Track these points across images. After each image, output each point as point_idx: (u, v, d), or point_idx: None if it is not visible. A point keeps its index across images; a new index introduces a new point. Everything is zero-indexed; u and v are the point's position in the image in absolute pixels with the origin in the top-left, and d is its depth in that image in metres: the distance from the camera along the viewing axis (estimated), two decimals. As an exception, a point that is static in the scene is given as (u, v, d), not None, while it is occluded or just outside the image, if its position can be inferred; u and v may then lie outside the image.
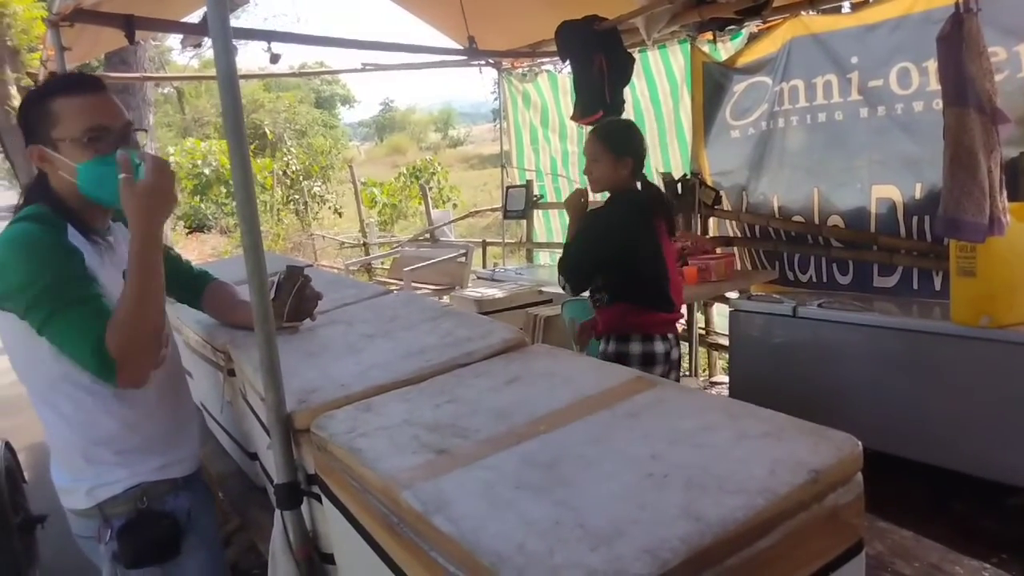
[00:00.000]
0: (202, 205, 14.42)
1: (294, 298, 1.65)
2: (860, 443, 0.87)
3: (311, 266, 1.69)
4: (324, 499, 1.15)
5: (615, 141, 2.38)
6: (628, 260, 2.32)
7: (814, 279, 3.86)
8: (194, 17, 3.64)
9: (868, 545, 1.89)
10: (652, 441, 0.92)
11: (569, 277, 2.33)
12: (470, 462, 0.90)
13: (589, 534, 0.70)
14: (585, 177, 2.49)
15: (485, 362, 1.36)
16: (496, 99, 5.96)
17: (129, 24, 2.89)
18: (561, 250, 2.47)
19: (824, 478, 0.81)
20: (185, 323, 2.02)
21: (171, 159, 13.59)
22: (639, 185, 2.43)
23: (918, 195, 3.31)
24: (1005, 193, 2.43)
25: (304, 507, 1.26)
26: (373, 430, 1.05)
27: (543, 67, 5.30)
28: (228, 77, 1.09)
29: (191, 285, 1.73)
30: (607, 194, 2.43)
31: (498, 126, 5.74)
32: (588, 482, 0.82)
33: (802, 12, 3.62)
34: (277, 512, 1.26)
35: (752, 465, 0.82)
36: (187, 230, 13.89)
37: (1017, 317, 2.53)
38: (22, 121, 1.30)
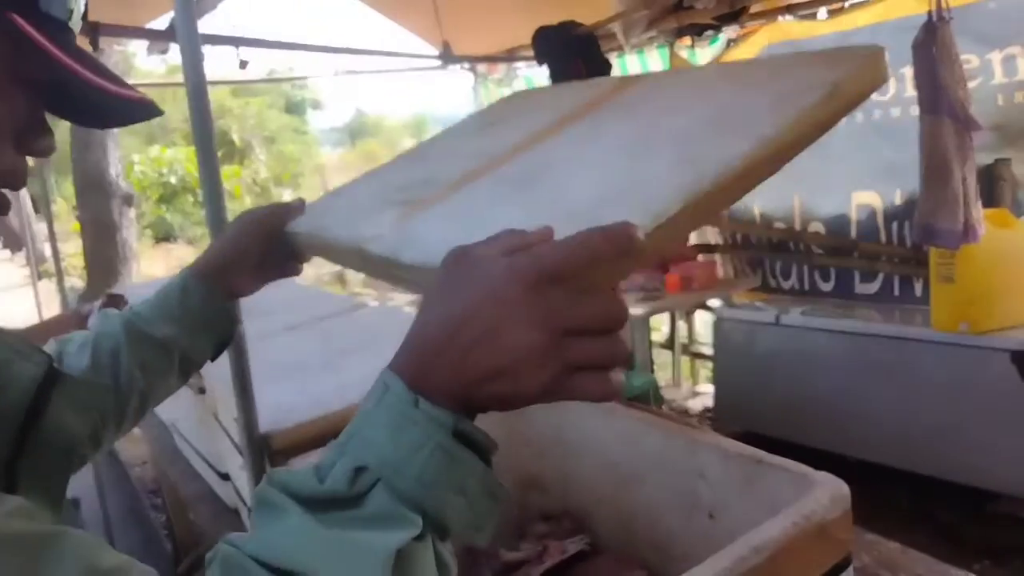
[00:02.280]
0: (168, 215, 14.17)
1: None
2: (884, 52, 0.71)
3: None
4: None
5: None
6: None
7: (796, 286, 3.86)
8: (161, 22, 3.55)
9: (855, 558, 1.88)
10: (642, 120, 0.79)
11: None
12: (439, 200, 0.79)
13: (567, 212, 0.58)
14: None
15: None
16: (473, 104, 5.91)
17: (94, 31, 2.79)
18: None
19: (843, 89, 0.66)
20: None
21: (136, 167, 13.36)
22: None
23: (898, 201, 3.34)
24: (980, 201, 2.45)
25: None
26: (339, 208, 0.94)
27: (520, 72, 5.27)
28: (197, 84, 1.05)
29: None
30: None
31: (473, 132, 5.69)
32: (571, 177, 0.70)
33: (779, 18, 3.64)
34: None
35: (760, 99, 0.69)
36: (154, 240, 13.63)
37: (996, 323, 2.56)
38: None
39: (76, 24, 0.58)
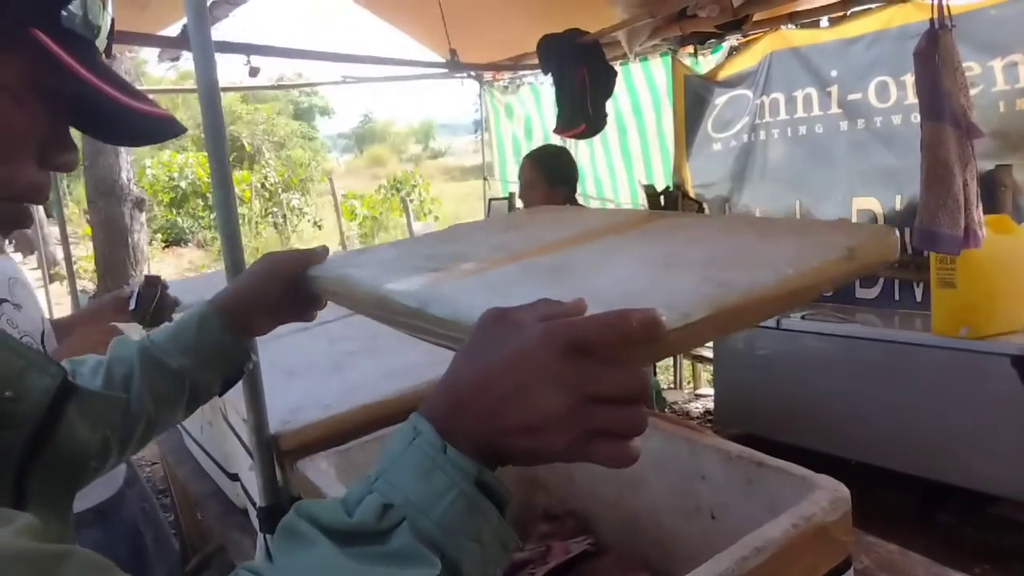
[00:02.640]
0: (179, 219, 14.25)
1: (155, 307, 1.69)
2: (896, 231, 0.80)
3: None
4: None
5: (549, 169, 2.45)
6: None
7: (796, 291, 3.87)
8: (172, 30, 3.60)
9: (855, 560, 1.90)
10: (669, 246, 0.84)
11: None
12: (470, 274, 0.82)
13: (600, 301, 0.60)
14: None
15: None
16: (477, 111, 5.96)
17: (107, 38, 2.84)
18: None
19: (860, 254, 0.73)
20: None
21: (148, 171, 13.43)
22: None
23: (898, 207, 3.35)
24: (981, 206, 2.47)
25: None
26: (365, 263, 0.96)
27: (525, 79, 5.31)
28: (210, 93, 1.06)
29: None
30: None
31: (479, 138, 5.75)
32: (600, 273, 0.75)
33: (782, 26, 3.67)
34: (260, 536, 1.23)
35: (781, 250, 0.75)
36: (164, 244, 13.72)
37: (996, 328, 2.57)
38: None
39: (102, 42, 0.59)
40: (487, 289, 0.74)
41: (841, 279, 0.73)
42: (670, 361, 4.74)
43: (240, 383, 1.13)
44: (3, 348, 0.55)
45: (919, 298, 3.27)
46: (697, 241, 0.84)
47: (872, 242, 0.76)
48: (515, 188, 5.44)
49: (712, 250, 0.77)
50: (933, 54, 2.38)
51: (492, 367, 0.47)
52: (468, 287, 0.76)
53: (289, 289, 0.94)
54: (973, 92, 2.86)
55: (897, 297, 3.41)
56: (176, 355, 0.86)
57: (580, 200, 2.64)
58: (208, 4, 3.68)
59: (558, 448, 0.46)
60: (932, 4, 2.42)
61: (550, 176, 2.44)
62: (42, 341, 1.46)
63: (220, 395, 0.95)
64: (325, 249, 0.98)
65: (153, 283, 1.71)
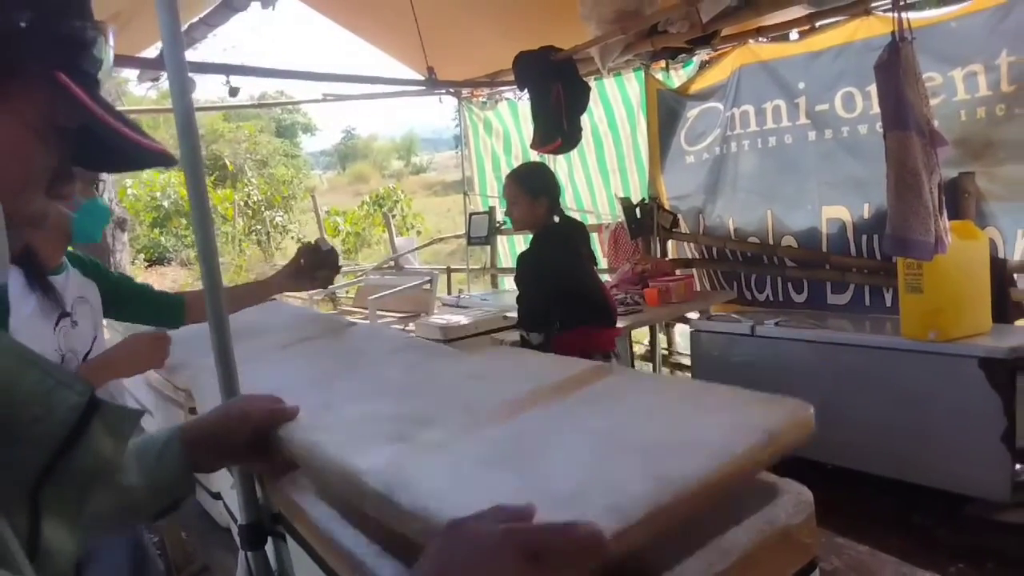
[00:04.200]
0: (162, 238, 14.19)
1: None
2: (811, 407, 0.89)
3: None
4: (289, 538, 1.15)
5: (530, 183, 2.53)
6: (570, 286, 2.46)
7: (771, 298, 3.95)
8: (152, 51, 3.63)
9: (826, 561, 1.94)
10: (613, 417, 0.92)
11: (530, 325, 2.43)
12: (432, 447, 0.89)
13: (552, 498, 0.69)
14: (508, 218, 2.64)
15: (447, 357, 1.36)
16: (458, 126, 6.01)
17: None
18: None
19: (778, 438, 0.82)
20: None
21: (129, 191, 13.37)
22: (556, 219, 2.58)
23: (866, 215, 3.43)
24: (945, 213, 2.54)
25: (269, 547, 1.25)
26: (332, 424, 1.02)
27: (503, 95, 5.37)
28: (186, 116, 1.09)
29: (168, 306, 1.79)
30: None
31: (460, 153, 5.80)
32: (551, 455, 0.81)
33: (750, 41, 3.76)
34: (241, 553, 1.24)
35: (710, 430, 0.82)
36: (147, 263, 13.64)
37: (963, 331, 2.63)
38: None
39: (105, 76, 0.62)
40: (450, 473, 0.80)
41: (764, 462, 0.81)
42: (650, 368, 4.80)
43: (218, 398, 1.15)
44: (35, 368, 0.57)
45: (889, 303, 3.35)
46: (637, 418, 0.92)
47: (788, 423, 0.85)
48: (495, 202, 5.51)
49: (650, 432, 0.85)
50: (895, 65, 2.45)
51: (457, 572, 0.53)
52: (432, 471, 0.82)
53: (255, 439, 0.97)
54: (935, 102, 2.96)
55: (868, 302, 3.49)
56: (132, 472, 0.87)
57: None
58: (186, 26, 3.72)
59: None
60: (893, 17, 2.50)
61: (531, 190, 2.52)
62: (84, 359, 1.57)
63: (153, 521, 0.96)
64: (296, 409, 1.01)
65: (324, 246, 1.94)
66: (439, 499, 0.71)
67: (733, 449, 0.76)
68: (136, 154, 0.63)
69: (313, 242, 1.96)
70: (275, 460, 1.01)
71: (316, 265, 1.91)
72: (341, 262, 2.07)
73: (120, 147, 0.61)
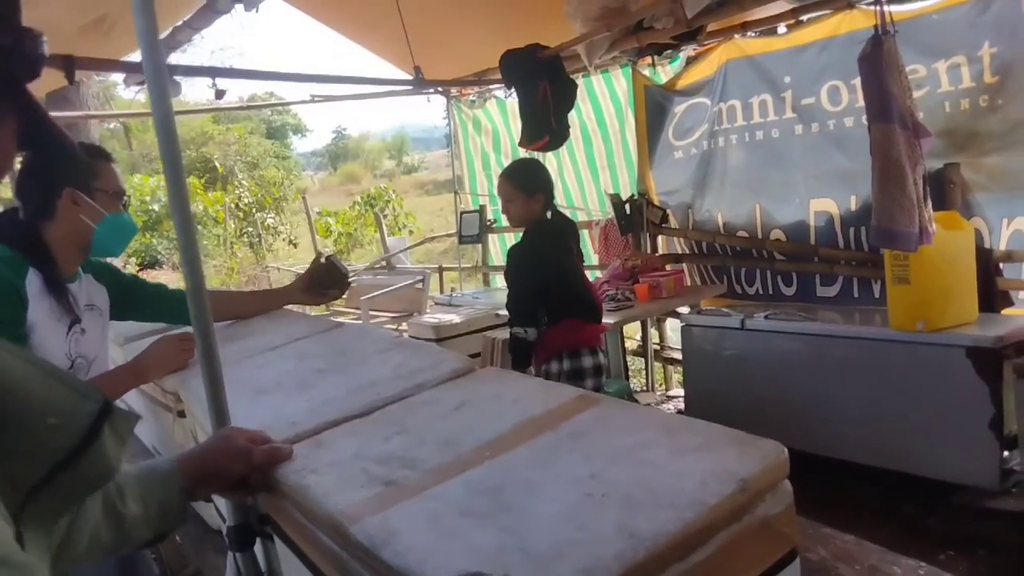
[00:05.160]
0: (153, 241, 14.14)
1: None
2: (786, 449, 0.90)
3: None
4: (276, 539, 1.15)
5: (524, 180, 2.54)
6: (560, 280, 2.48)
7: (760, 291, 3.97)
8: (138, 55, 3.61)
9: (811, 551, 1.96)
10: (593, 461, 0.94)
11: (519, 320, 2.45)
12: (417, 493, 0.92)
13: (530, 558, 0.72)
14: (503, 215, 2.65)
15: (434, 389, 1.38)
16: (448, 124, 6.02)
17: (68, 64, 2.86)
18: None
19: (752, 486, 0.84)
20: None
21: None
22: (549, 215, 2.60)
23: (853, 207, 3.45)
24: (930, 203, 2.56)
25: (258, 547, 1.25)
26: (323, 466, 1.06)
27: (492, 93, 5.38)
28: (165, 120, 1.09)
29: (182, 304, 1.81)
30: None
31: (451, 151, 5.80)
32: (531, 506, 0.84)
33: (735, 36, 3.77)
34: (230, 554, 1.25)
35: (685, 479, 0.85)
36: (138, 267, 13.59)
37: (950, 321, 2.65)
38: (58, 166, 1.51)
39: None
40: (433, 527, 0.83)
41: (740, 511, 0.83)
42: (642, 364, 4.81)
43: (205, 400, 1.16)
44: (57, 381, 0.59)
45: (877, 295, 3.37)
46: (617, 458, 0.95)
47: (762, 468, 0.87)
48: (485, 201, 5.51)
49: (626, 480, 0.88)
50: (878, 58, 2.47)
51: None
52: (415, 523, 0.85)
53: (250, 475, 1.01)
54: (919, 94, 2.98)
55: (856, 294, 3.51)
56: (133, 501, 0.89)
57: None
58: (171, 29, 3.68)
59: None
60: (876, 11, 2.51)
61: (527, 187, 2.52)
62: (91, 365, 1.61)
63: (143, 548, 1.00)
64: (291, 450, 1.06)
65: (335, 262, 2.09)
66: (421, 557, 0.75)
67: (706, 501, 0.80)
68: (59, 145, 0.70)
69: (325, 259, 2.10)
70: (260, 490, 1.06)
71: (328, 284, 2.06)
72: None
73: (52, 138, 0.67)
